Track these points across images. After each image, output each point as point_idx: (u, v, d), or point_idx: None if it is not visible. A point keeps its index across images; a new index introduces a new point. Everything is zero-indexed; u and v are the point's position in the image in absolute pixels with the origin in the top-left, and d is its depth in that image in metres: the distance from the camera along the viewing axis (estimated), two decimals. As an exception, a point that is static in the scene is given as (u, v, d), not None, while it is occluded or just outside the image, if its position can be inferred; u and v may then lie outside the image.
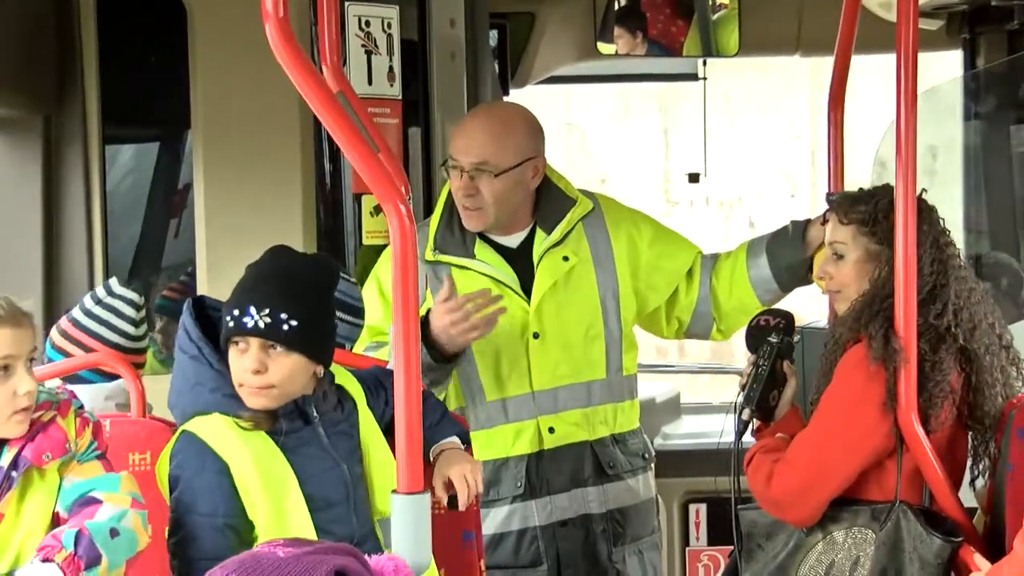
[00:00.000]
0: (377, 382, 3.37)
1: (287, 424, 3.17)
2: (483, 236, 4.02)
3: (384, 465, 3.26)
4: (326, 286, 3.25)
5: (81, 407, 3.08)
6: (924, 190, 3.54)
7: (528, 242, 4.03)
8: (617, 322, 4.07)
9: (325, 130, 3.46)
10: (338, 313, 3.46)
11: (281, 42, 2.63)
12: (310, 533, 3.06)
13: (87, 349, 3.72)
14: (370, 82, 4.54)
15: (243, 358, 3.12)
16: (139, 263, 4.79)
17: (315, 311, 3.18)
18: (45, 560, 2.84)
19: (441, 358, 3.79)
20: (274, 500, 3.09)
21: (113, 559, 2.91)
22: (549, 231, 4.02)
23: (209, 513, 3.07)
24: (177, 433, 3.17)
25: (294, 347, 3.12)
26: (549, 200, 4.04)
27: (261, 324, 3.10)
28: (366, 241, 4.58)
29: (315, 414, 3.20)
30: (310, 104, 2.70)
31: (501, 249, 4.02)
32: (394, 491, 2.84)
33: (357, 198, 4.60)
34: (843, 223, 3.56)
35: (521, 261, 4.01)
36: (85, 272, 4.53)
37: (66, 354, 3.72)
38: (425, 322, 3.75)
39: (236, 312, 3.12)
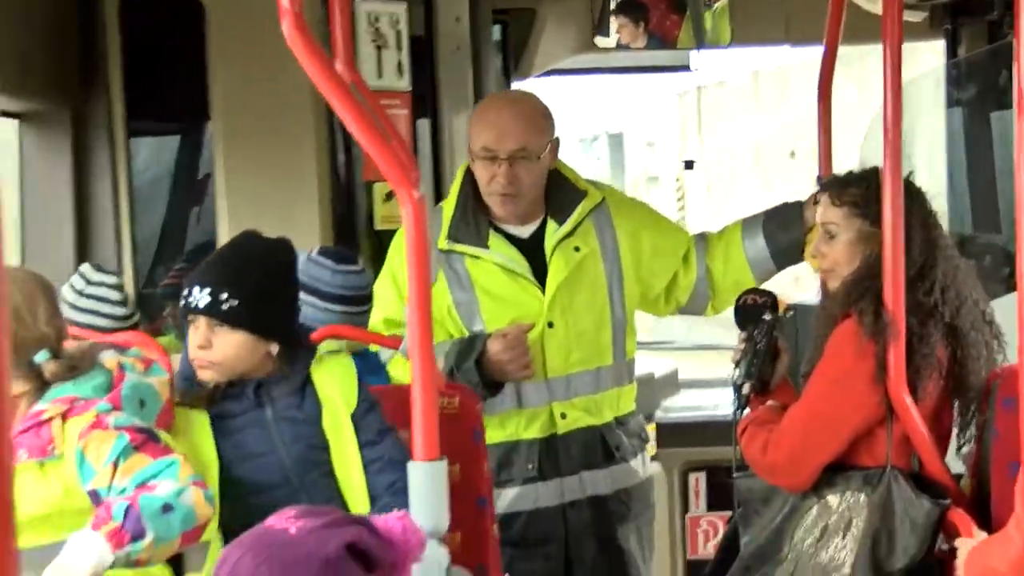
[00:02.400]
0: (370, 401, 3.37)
1: (235, 405, 3.24)
2: (496, 227, 4.04)
3: (343, 460, 3.30)
4: (276, 265, 3.28)
5: (110, 410, 3.04)
6: (911, 173, 3.62)
7: (539, 233, 4.06)
8: (622, 309, 4.11)
9: (338, 120, 3.55)
10: (306, 296, 3.52)
11: (297, 36, 2.62)
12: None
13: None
14: (380, 75, 4.62)
15: (194, 334, 3.22)
16: (164, 248, 4.89)
17: (259, 289, 3.22)
18: (94, 529, 2.83)
19: (489, 383, 3.88)
20: None
21: (162, 534, 2.88)
22: (561, 222, 4.03)
23: None
24: None
25: (237, 325, 3.19)
26: (560, 191, 4.08)
27: (201, 303, 3.18)
28: (378, 226, 4.67)
29: (266, 397, 3.26)
30: (325, 95, 2.71)
31: (514, 239, 4.05)
32: (411, 459, 2.91)
33: (369, 185, 4.69)
34: (835, 204, 3.60)
35: (533, 251, 4.03)
36: (114, 258, 4.62)
37: None
38: (480, 346, 3.87)
39: (185, 291, 3.22)
